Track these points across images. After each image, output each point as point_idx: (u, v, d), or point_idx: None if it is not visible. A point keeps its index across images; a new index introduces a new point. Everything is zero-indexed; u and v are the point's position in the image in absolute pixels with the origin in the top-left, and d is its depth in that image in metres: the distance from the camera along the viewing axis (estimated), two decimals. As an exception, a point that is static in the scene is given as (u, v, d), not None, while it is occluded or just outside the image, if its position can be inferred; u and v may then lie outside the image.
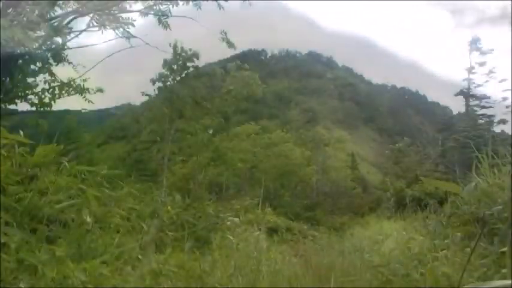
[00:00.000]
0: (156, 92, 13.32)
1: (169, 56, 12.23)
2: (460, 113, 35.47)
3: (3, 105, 6.18)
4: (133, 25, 6.54)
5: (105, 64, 7.01)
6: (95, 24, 6.26)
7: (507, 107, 30.68)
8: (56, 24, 5.78)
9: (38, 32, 5.23)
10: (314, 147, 36.13)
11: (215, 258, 1.75)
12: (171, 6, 6.57)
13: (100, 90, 7.14)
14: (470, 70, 32.75)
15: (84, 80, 6.87)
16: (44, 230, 1.38)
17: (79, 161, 2.75)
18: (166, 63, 12.38)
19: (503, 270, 1.17)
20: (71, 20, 6.09)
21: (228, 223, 4.77)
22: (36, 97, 6.41)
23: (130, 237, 1.91)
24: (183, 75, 12.81)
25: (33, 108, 6.47)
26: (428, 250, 1.88)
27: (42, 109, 6.42)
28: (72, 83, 6.79)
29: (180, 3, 6.55)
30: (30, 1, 5.24)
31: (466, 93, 33.10)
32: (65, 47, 6.25)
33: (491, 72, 31.63)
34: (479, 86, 32.70)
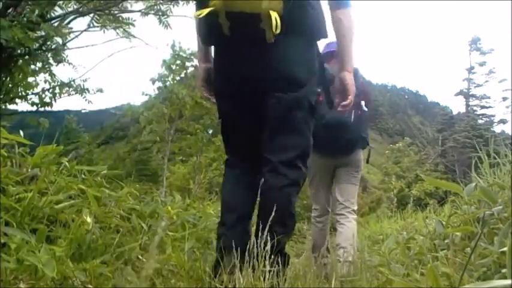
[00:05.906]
0: (156, 91, 13.28)
1: (168, 56, 12.20)
2: (460, 113, 35.52)
3: (3, 105, 6.18)
4: (133, 25, 6.55)
5: (105, 64, 7.00)
6: (96, 24, 6.27)
7: (507, 107, 30.79)
8: (56, 24, 5.79)
9: (38, 32, 5.24)
10: (314, 147, 35.95)
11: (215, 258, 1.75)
12: (171, 6, 6.57)
13: (100, 90, 7.13)
14: (470, 70, 32.82)
15: (84, 80, 6.87)
16: (44, 230, 1.38)
17: (79, 161, 2.75)
18: (165, 63, 12.34)
19: (503, 270, 1.17)
20: (71, 20, 6.09)
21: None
22: (37, 96, 6.41)
23: (130, 237, 1.91)
24: (182, 74, 12.77)
25: (34, 108, 6.47)
26: (428, 250, 1.88)
27: (43, 108, 6.42)
28: (72, 83, 6.78)
29: (181, 3, 6.55)
30: (30, 1, 5.25)
31: (466, 93, 33.15)
32: (65, 47, 6.25)
33: (491, 72, 31.73)
34: (479, 86, 32.80)
